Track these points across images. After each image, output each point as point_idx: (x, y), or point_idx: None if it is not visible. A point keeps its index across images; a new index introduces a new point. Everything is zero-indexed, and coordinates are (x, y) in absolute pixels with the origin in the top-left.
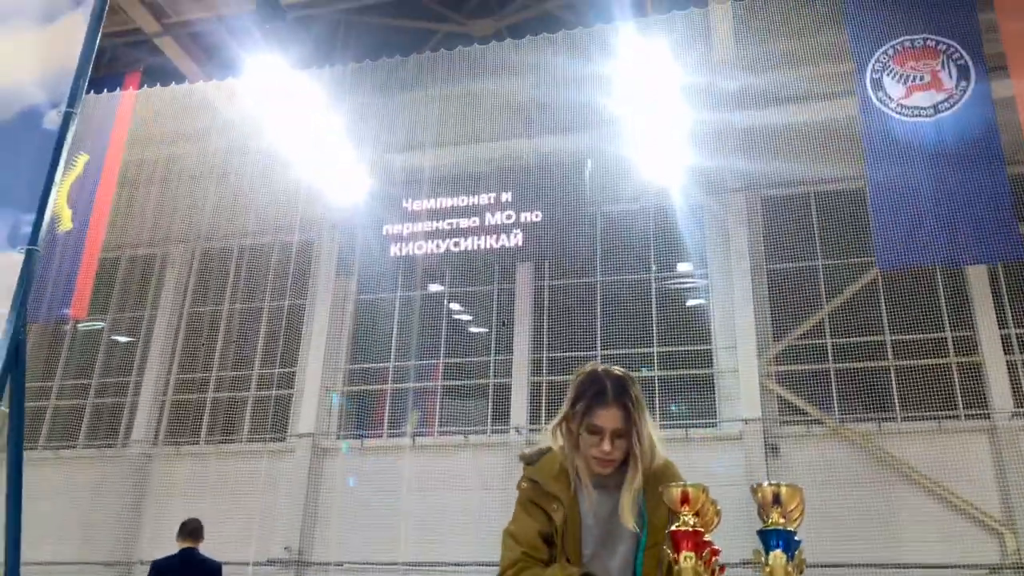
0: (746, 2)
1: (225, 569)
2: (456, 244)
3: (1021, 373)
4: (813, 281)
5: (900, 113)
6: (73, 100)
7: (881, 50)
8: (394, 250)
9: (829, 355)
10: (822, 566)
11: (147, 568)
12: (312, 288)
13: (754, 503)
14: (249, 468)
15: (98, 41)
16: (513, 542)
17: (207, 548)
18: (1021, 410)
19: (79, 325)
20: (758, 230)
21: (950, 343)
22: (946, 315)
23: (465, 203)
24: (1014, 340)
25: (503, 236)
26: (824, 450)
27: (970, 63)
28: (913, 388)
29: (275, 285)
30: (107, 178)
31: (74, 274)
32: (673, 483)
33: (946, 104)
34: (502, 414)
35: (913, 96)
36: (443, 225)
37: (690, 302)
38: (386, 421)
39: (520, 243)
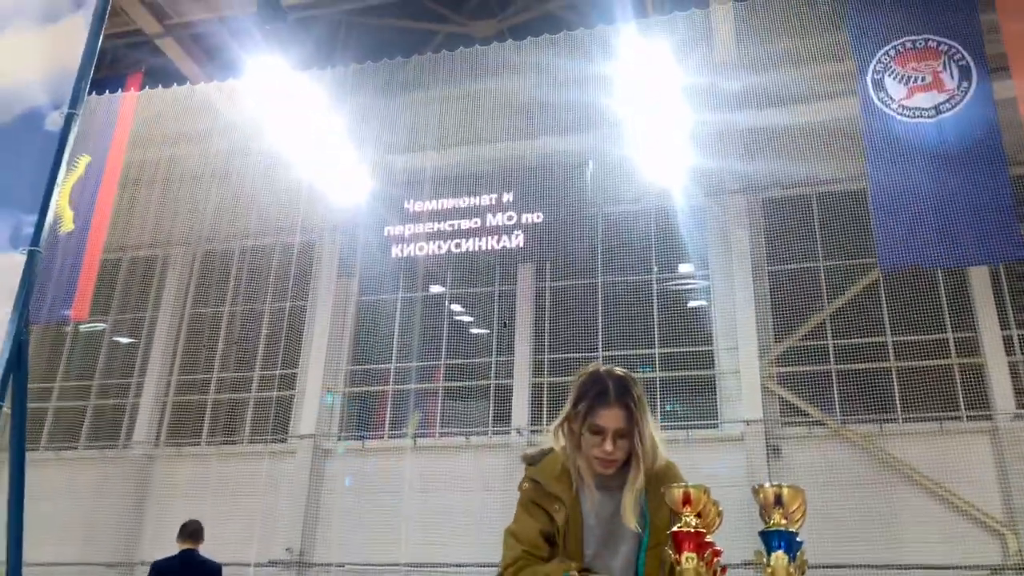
0: (747, 3)
1: (226, 570)
2: (457, 245)
3: (1023, 374)
4: (814, 282)
5: (901, 114)
6: (75, 101)
7: (882, 51)
8: (395, 251)
9: (831, 356)
10: (824, 567)
11: (148, 569)
12: (313, 289)
13: (756, 504)
14: (250, 469)
15: (100, 42)
16: (514, 540)
17: (208, 549)
18: (1023, 411)
19: (80, 326)
20: (759, 231)
21: (952, 344)
22: (948, 316)
23: (466, 204)
24: (1016, 341)
25: (504, 237)
26: (826, 451)
27: (971, 64)
28: (915, 389)
29: (276, 286)
30: (109, 179)
31: (75, 275)
32: (675, 484)
33: (948, 105)
34: (503, 415)
35: (915, 97)
36: (444, 226)
37: (691, 303)
38: (387, 422)
39: (521, 244)
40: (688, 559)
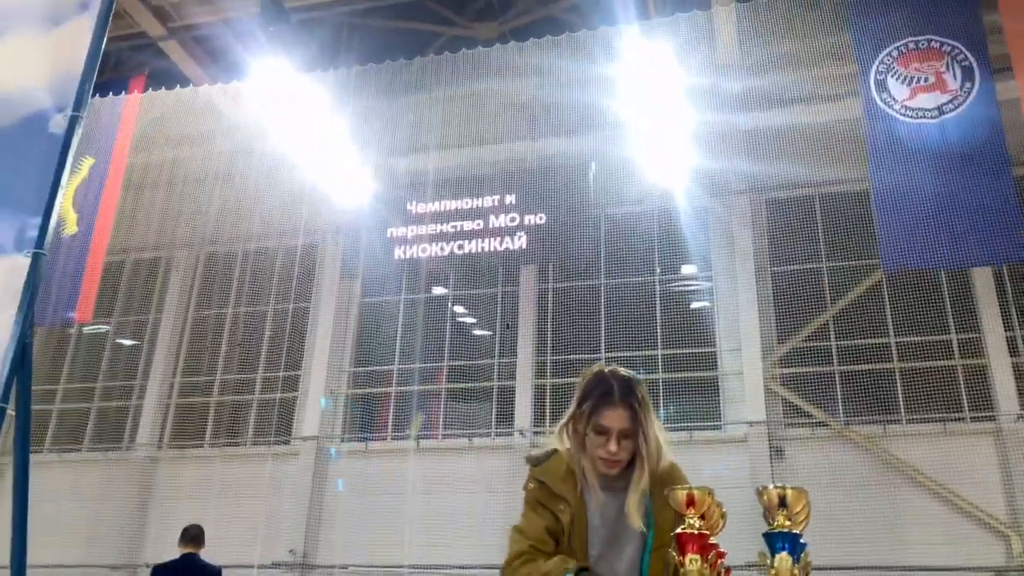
0: (750, 4)
1: (230, 572)
2: (460, 247)
3: None
4: (817, 283)
5: (904, 115)
6: (79, 104)
7: (885, 51)
8: (398, 253)
9: (834, 357)
10: (827, 568)
11: (150, 571)
12: (316, 291)
13: (759, 506)
14: (254, 471)
15: (104, 45)
16: (520, 536)
17: (212, 551)
18: None
19: (84, 329)
20: (762, 232)
21: (955, 345)
22: (951, 317)
23: (469, 206)
24: (1019, 342)
25: (507, 239)
26: (829, 452)
27: (974, 64)
28: (918, 390)
29: (279, 288)
30: (112, 182)
31: (79, 277)
32: (679, 486)
33: (950, 105)
34: (506, 417)
35: (917, 97)
36: (447, 228)
37: (694, 304)
38: (390, 424)
39: (524, 246)
40: (692, 561)
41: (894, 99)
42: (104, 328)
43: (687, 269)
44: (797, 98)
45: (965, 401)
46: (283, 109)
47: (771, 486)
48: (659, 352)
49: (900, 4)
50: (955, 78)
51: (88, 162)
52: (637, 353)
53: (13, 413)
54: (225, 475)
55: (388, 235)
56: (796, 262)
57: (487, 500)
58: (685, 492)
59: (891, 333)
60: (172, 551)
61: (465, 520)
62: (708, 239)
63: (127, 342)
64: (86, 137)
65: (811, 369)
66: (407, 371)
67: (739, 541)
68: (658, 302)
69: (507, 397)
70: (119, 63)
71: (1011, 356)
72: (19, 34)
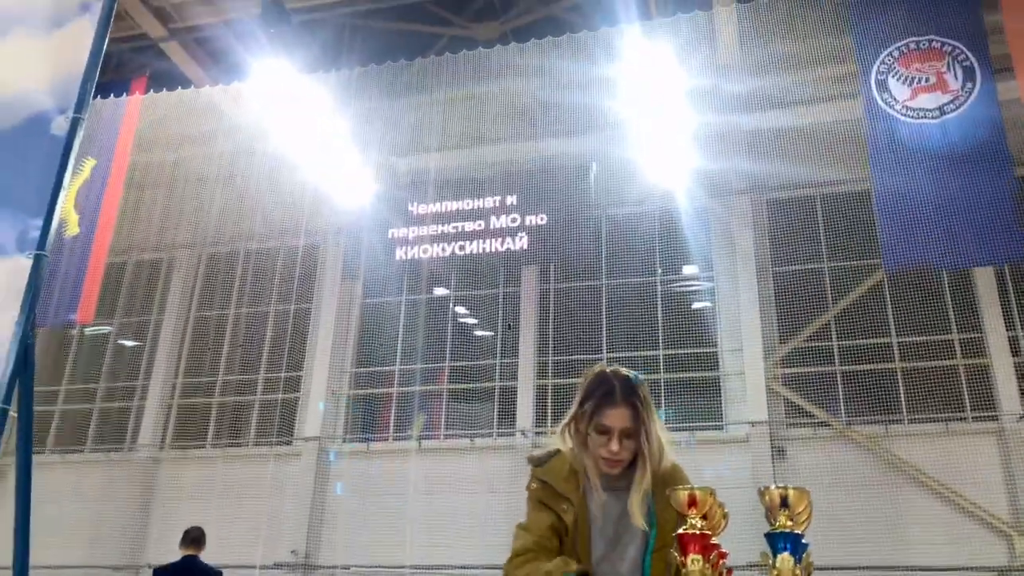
0: (751, 4)
1: (232, 573)
2: (461, 247)
3: None
4: (819, 283)
5: (905, 115)
6: (80, 106)
7: (886, 52)
8: (400, 254)
9: (835, 357)
10: (829, 568)
11: (151, 572)
12: (318, 292)
13: (761, 506)
14: (256, 472)
15: (105, 46)
16: (525, 533)
17: (213, 551)
18: None
19: (86, 329)
20: (763, 232)
21: (957, 345)
22: (953, 317)
23: (470, 206)
24: (1021, 341)
25: (508, 239)
26: (831, 452)
27: (975, 64)
28: (920, 390)
29: (281, 289)
30: (114, 182)
31: (81, 278)
32: (681, 486)
33: (952, 106)
34: (508, 417)
35: (918, 98)
36: (448, 228)
37: (696, 305)
38: (392, 424)
39: (525, 246)
40: (694, 561)
41: (895, 99)
42: (106, 329)
43: (688, 269)
44: (798, 98)
45: (967, 401)
46: (284, 110)
47: (773, 486)
48: (660, 352)
49: (901, 4)
50: (956, 78)
51: (90, 163)
52: (638, 353)
53: (15, 414)
54: (227, 476)
55: (389, 236)
56: (797, 262)
57: (489, 500)
58: (687, 492)
59: (893, 333)
60: (174, 552)
61: (467, 520)
62: (709, 239)
63: (129, 343)
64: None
65: (813, 369)
66: (409, 372)
67: (741, 541)
68: (659, 302)
69: (509, 397)
70: (120, 64)
71: (1013, 356)
72: (21, 36)
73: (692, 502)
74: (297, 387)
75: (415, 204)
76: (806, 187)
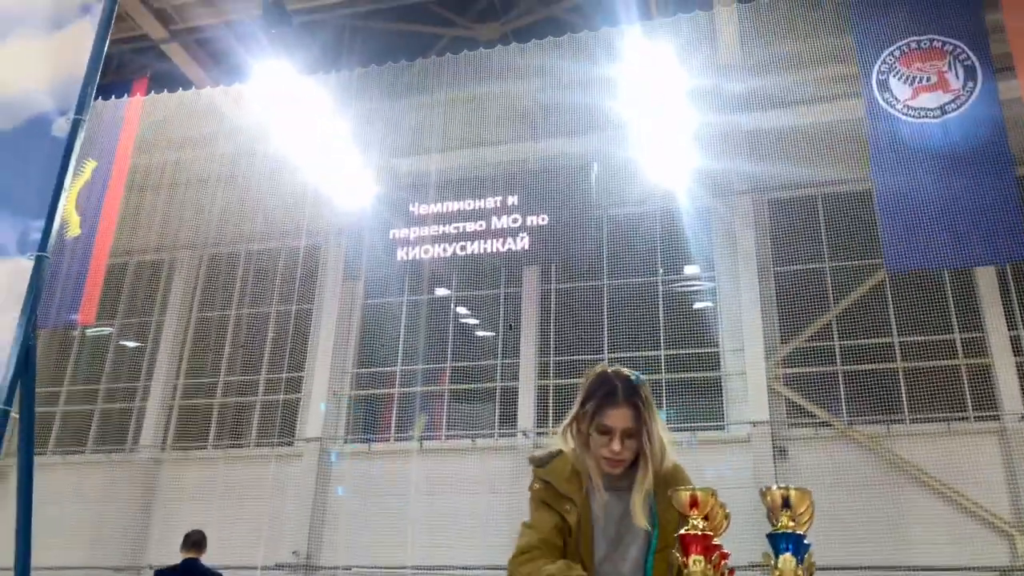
0: (751, 4)
1: (234, 574)
2: (463, 248)
3: None
4: (820, 283)
5: (907, 114)
6: (81, 107)
7: (887, 51)
8: (401, 254)
9: (837, 357)
10: (831, 568)
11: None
12: (319, 293)
13: (763, 506)
14: (257, 473)
15: (106, 48)
16: (530, 530)
17: (215, 553)
18: None
19: (87, 331)
20: (765, 232)
21: (959, 345)
22: (955, 316)
23: (471, 207)
24: None
25: (509, 240)
26: (832, 452)
27: (977, 63)
28: (922, 390)
29: (282, 290)
30: (115, 184)
31: (82, 280)
32: (682, 487)
33: (953, 105)
34: (509, 417)
35: (920, 97)
36: (449, 229)
37: (697, 305)
38: (393, 425)
39: (526, 247)
40: (696, 562)
41: (896, 99)
42: (107, 330)
43: (690, 269)
44: (799, 98)
45: (969, 401)
46: (285, 111)
47: (775, 487)
48: (662, 352)
49: (902, 4)
50: (957, 77)
51: (91, 165)
52: (640, 353)
53: (17, 415)
54: (228, 477)
55: (391, 236)
56: (799, 262)
57: (490, 501)
58: (688, 493)
59: (894, 333)
60: (175, 553)
61: (468, 521)
62: (711, 239)
63: (130, 344)
64: (89, 140)
65: (814, 369)
66: (410, 372)
67: (743, 541)
68: (661, 303)
69: (510, 398)
70: (121, 66)
71: (1015, 355)
72: (22, 37)
73: (694, 503)
74: (298, 388)
75: (416, 205)
76: (807, 187)
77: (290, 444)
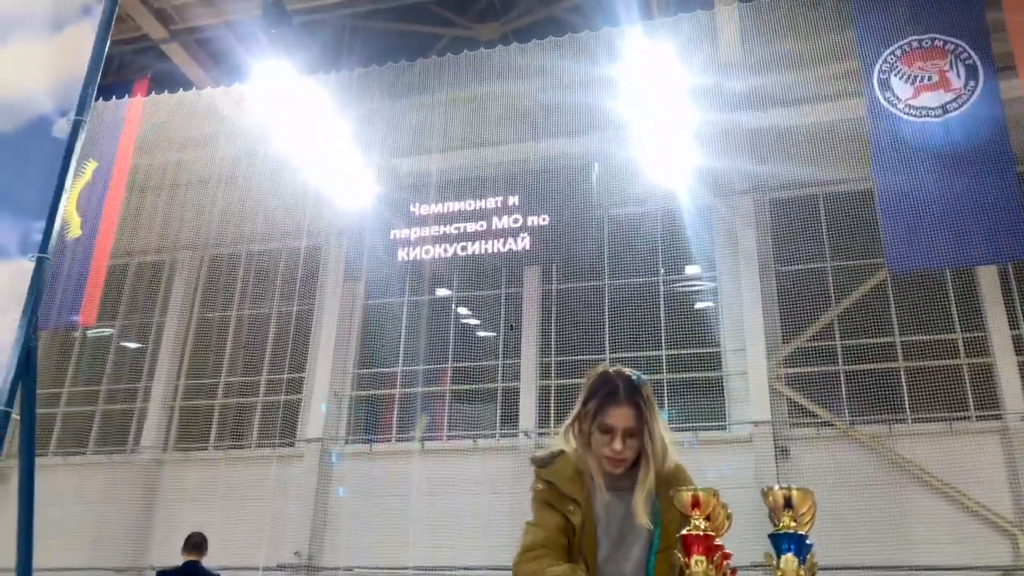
0: (752, 3)
1: (235, 575)
2: (463, 248)
3: None
4: (822, 283)
5: (908, 113)
6: (82, 108)
7: (888, 50)
8: (402, 255)
9: (839, 357)
10: (833, 568)
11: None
12: (320, 293)
13: (765, 506)
14: (258, 473)
15: (106, 49)
16: (536, 528)
17: (217, 554)
18: None
19: (88, 332)
20: (766, 232)
21: (961, 344)
22: (956, 316)
23: (472, 207)
24: None
25: (510, 240)
26: (834, 452)
27: (978, 62)
28: (924, 389)
29: (283, 290)
30: (116, 185)
31: (83, 281)
32: (684, 487)
33: (954, 104)
34: (511, 418)
35: (921, 96)
36: (450, 229)
37: (698, 305)
38: (394, 426)
39: (527, 247)
40: (698, 562)
41: (898, 98)
42: (108, 331)
43: (691, 269)
44: (800, 97)
45: (971, 400)
46: (286, 112)
47: (776, 487)
48: (663, 352)
49: (903, 2)
50: (959, 76)
51: (92, 165)
52: (641, 354)
53: (18, 417)
54: (230, 477)
55: (391, 237)
56: (800, 262)
57: (492, 501)
58: (690, 494)
59: (896, 332)
60: (177, 554)
61: (470, 521)
62: (712, 239)
63: (131, 345)
64: (89, 140)
65: (816, 369)
66: (411, 373)
67: (744, 541)
68: (662, 303)
69: (511, 398)
70: (122, 66)
71: (1017, 354)
72: (22, 39)
73: (696, 503)
74: (300, 389)
75: (417, 205)
76: (809, 186)
77: (291, 445)
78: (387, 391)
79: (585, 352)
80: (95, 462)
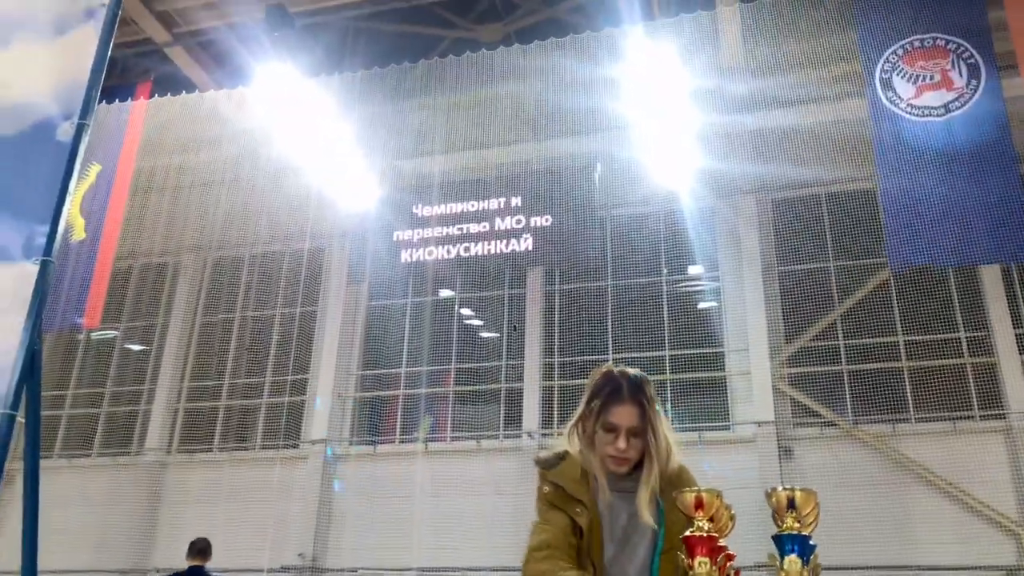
0: (754, 4)
1: None
2: (466, 249)
3: None
4: (825, 283)
5: (910, 113)
6: (85, 111)
7: (890, 50)
8: (405, 256)
9: (842, 356)
10: (837, 568)
11: None
12: (323, 295)
13: (768, 507)
14: (262, 475)
15: (110, 52)
16: (545, 527)
17: (221, 556)
18: None
19: (92, 334)
20: (769, 232)
21: (964, 343)
22: (960, 315)
23: (475, 208)
24: None
25: (513, 241)
26: (838, 452)
27: (980, 62)
28: (927, 389)
29: (287, 292)
30: (119, 187)
31: (87, 283)
32: (687, 488)
33: (957, 103)
34: (514, 419)
35: (923, 96)
36: (453, 230)
37: (701, 305)
38: (398, 427)
39: (530, 248)
40: (701, 563)
41: (900, 97)
42: (112, 333)
43: (694, 270)
44: (802, 97)
45: (975, 399)
46: (288, 114)
47: (780, 488)
48: (667, 353)
49: (905, 2)
50: (961, 76)
51: (95, 168)
52: (645, 354)
53: (23, 420)
54: (234, 479)
55: (394, 238)
56: (803, 262)
57: (496, 502)
58: (694, 495)
59: (899, 332)
60: (181, 555)
61: (474, 522)
62: (714, 240)
63: (135, 347)
64: (93, 143)
65: (819, 368)
66: (415, 374)
67: (748, 541)
68: (665, 303)
69: (515, 399)
70: (125, 69)
71: (1020, 354)
72: (25, 43)
73: (699, 504)
74: (303, 390)
75: (420, 206)
76: (811, 186)
77: (295, 446)
78: (391, 392)
79: (588, 353)
80: (99, 464)
